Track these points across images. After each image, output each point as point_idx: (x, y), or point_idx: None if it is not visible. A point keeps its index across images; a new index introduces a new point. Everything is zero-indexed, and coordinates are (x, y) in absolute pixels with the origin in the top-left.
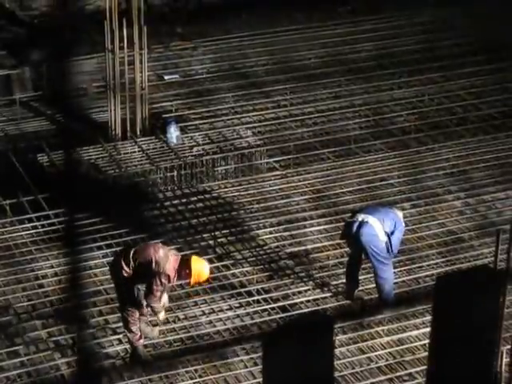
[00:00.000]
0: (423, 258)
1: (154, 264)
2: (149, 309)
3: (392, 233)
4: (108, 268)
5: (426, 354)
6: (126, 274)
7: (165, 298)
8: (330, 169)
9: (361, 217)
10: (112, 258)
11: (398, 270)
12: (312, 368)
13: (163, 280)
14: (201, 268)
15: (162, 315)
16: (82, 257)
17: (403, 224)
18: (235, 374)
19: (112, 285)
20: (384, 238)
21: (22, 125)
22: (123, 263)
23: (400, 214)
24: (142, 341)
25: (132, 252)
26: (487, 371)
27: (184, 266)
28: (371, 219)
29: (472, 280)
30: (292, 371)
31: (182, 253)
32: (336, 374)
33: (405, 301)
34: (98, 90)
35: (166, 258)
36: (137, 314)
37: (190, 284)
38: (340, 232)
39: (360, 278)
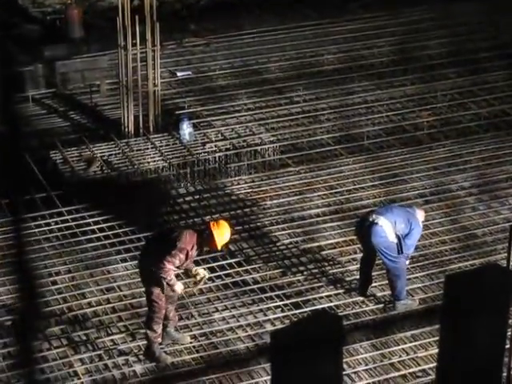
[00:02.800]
0: (436, 254)
1: (168, 241)
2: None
3: (406, 235)
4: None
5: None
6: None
7: (179, 285)
8: (343, 165)
9: (372, 217)
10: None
11: (411, 266)
12: (321, 378)
13: (180, 255)
14: (221, 230)
15: (178, 287)
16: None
17: (420, 225)
18: (256, 382)
19: (125, 281)
20: (394, 240)
21: (35, 122)
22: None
23: (419, 214)
24: (159, 339)
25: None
26: (496, 369)
27: (205, 235)
28: (382, 220)
29: (482, 279)
30: (301, 379)
31: None
32: (350, 371)
33: (414, 317)
34: (111, 86)
35: (181, 234)
36: (163, 312)
37: (217, 249)
38: (353, 228)
39: (373, 274)
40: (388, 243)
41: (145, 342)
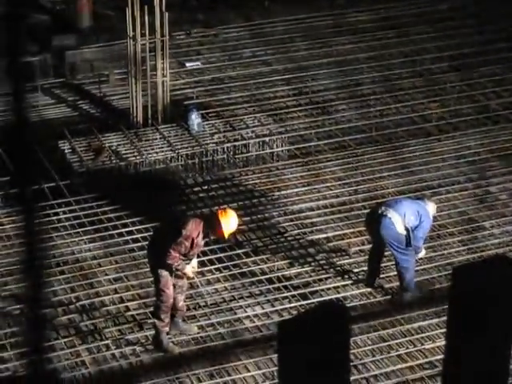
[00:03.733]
0: (444, 246)
1: (174, 229)
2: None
3: (416, 227)
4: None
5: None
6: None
7: (194, 261)
8: (351, 156)
9: (381, 209)
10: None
11: (419, 257)
12: (328, 365)
13: (185, 242)
14: (228, 219)
15: (188, 270)
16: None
17: (430, 218)
18: (263, 373)
19: (132, 271)
20: (403, 232)
21: (44, 111)
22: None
23: (430, 206)
24: (167, 328)
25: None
26: (504, 360)
27: (213, 223)
28: (391, 213)
29: (489, 270)
30: (308, 369)
31: None
32: (357, 362)
33: (421, 303)
34: (120, 76)
35: (187, 221)
36: (170, 301)
37: (223, 238)
38: (361, 220)
39: (381, 265)
40: (397, 235)
41: (152, 332)
